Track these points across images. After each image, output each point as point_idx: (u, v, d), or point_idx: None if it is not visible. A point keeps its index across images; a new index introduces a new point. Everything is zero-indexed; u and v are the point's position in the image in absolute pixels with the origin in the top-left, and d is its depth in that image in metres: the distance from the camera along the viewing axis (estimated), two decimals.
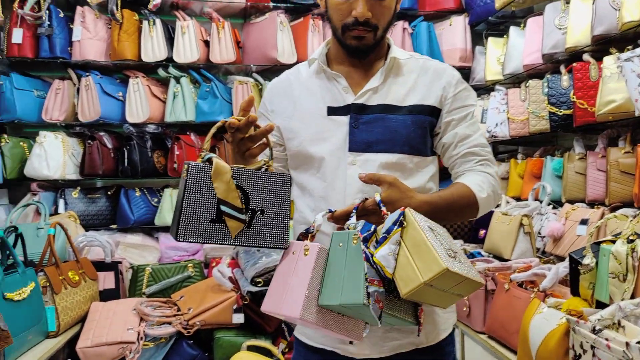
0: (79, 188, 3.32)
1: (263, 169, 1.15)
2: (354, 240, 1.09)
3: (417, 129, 1.36)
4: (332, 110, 1.38)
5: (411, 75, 1.40)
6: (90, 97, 3.25)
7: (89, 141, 3.28)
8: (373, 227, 1.11)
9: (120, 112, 3.35)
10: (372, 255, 1.06)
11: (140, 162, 3.32)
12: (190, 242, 1.08)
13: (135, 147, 3.31)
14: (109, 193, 3.39)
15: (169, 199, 3.35)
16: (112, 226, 3.34)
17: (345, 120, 1.36)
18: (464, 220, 1.46)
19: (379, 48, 1.42)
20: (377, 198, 1.15)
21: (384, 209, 1.13)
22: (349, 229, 1.13)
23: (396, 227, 1.07)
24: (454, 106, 1.40)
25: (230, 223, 1.09)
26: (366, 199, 1.17)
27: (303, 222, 1.42)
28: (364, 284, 1.04)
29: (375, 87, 1.38)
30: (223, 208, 1.09)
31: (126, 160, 3.30)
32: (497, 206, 3.16)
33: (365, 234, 1.09)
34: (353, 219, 1.14)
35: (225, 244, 1.10)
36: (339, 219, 1.19)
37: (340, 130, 1.36)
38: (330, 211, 1.19)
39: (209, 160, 1.10)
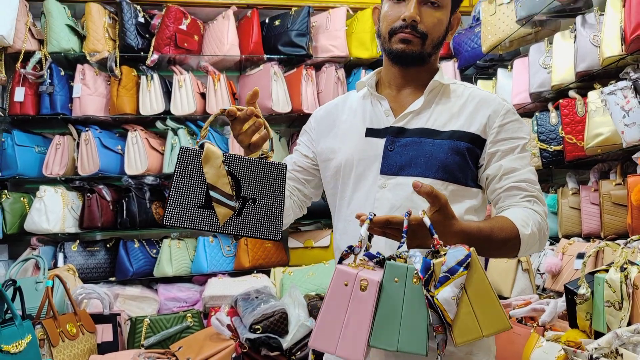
0: (78, 241, 3.33)
1: (260, 158, 1.12)
2: (414, 279, 1.01)
3: (455, 155, 1.30)
4: (371, 132, 1.37)
5: (458, 101, 1.36)
6: (89, 151, 3.31)
7: (88, 194, 3.31)
8: (431, 263, 1.01)
9: (119, 165, 3.41)
10: (432, 297, 0.99)
11: (138, 213, 3.34)
12: (177, 226, 1.06)
13: (134, 198, 3.34)
14: (108, 246, 3.39)
15: (168, 249, 3.35)
16: (110, 279, 3.33)
17: (381, 142, 1.34)
18: (504, 257, 1.36)
19: (429, 69, 1.39)
20: (427, 222, 1.05)
21: (436, 236, 1.04)
22: (400, 257, 1.05)
23: (462, 269, 0.99)
24: (500, 137, 1.32)
25: (218, 210, 1.07)
26: (409, 213, 1.08)
27: (337, 247, 1.41)
28: (427, 333, 0.99)
29: (416, 110, 1.35)
30: (212, 194, 1.06)
31: (125, 212, 3.33)
32: None
33: (425, 276, 1.00)
34: (404, 246, 1.05)
35: (213, 231, 1.07)
36: (376, 226, 1.10)
37: (375, 153, 1.34)
38: (370, 219, 1.08)
39: (202, 146, 1.08)
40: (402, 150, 1.31)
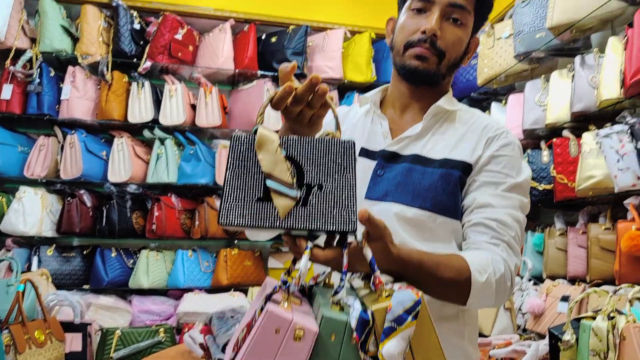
0: (54, 246, 3.24)
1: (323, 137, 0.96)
2: (353, 338, 0.83)
3: (446, 185, 1.17)
4: (365, 152, 1.28)
5: (461, 128, 1.25)
6: (73, 155, 3.24)
7: (69, 198, 3.24)
8: (369, 315, 0.83)
9: (102, 171, 3.34)
10: (374, 357, 0.82)
11: (118, 222, 3.27)
12: (234, 226, 0.88)
13: (115, 206, 3.27)
14: (85, 252, 3.31)
15: (145, 260, 3.28)
16: (84, 286, 3.24)
17: (372, 165, 1.25)
18: (449, 301, 1.11)
19: (439, 91, 1.28)
20: (369, 254, 0.88)
21: (377, 273, 0.87)
22: (337, 304, 0.87)
23: (410, 318, 0.82)
24: (486, 167, 1.19)
25: (278, 201, 0.89)
26: (349, 243, 0.90)
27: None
28: None
29: (413, 136, 1.25)
30: (269, 183, 0.90)
31: (104, 219, 3.25)
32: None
33: (361, 336, 0.83)
34: (342, 292, 0.87)
35: (276, 228, 0.89)
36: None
37: (365, 175, 1.23)
38: (308, 249, 0.89)
39: (256, 132, 0.92)
40: (390, 176, 1.22)
